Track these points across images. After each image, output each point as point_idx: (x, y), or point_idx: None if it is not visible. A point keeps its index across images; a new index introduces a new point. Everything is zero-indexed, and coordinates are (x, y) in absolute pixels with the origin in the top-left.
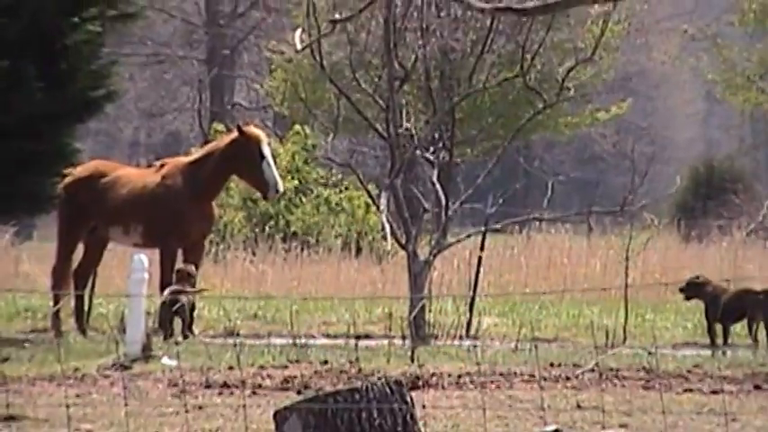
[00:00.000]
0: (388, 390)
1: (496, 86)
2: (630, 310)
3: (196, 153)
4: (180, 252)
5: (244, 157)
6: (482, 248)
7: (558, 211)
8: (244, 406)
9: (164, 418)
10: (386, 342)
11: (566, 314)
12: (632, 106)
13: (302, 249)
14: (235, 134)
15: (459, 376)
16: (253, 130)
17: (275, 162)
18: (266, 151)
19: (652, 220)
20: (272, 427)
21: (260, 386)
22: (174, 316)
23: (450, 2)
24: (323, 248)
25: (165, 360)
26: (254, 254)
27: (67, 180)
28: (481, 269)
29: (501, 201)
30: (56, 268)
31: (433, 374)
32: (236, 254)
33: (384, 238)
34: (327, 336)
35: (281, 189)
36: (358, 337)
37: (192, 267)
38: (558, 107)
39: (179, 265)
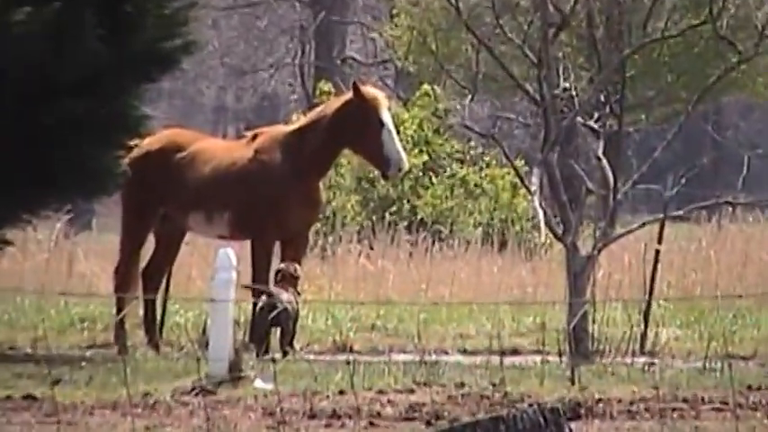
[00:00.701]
0: (541, 419)
1: (678, 36)
2: None
3: (298, 120)
4: (277, 246)
5: (358, 125)
6: (660, 241)
7: (756, 194)
8: None
9: None
10: (538, 359)
11: (767, 324)
12: None
13: (432, 242)
14: (347, 96)
15: (632, 403)
16: (370, 90)
17: (398, 132)
18: (386, 118)
19: None
20: None
21: (379, 415)
22: (271, 326)
23: None
24: (458, 241)
25: (259, 383)
26: (371, 248)
27: (134, 154)
28: (659, 267)
29: (684, 180)
30: (120, 266)
31: (598, 400)
32: (349, 248)
33: (536, 227)
34: (464, 351)
35: (405, 166)
36: (503, 353)
37: (296, 266)
38: (756, 62)
39: (277, 263)
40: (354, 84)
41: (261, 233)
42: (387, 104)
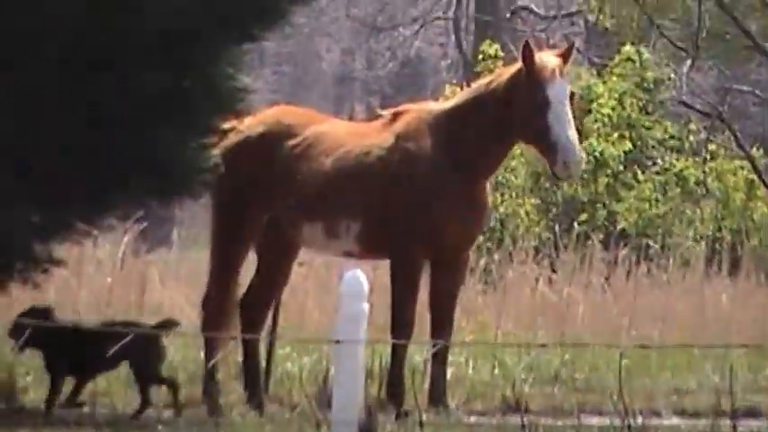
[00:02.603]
0: None
1: None
2: None
3: (454, 96)
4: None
5: (526, 104)
6: None
7: None
8: None
9: None
10: None
11: None
12: None
13: (637, 262)
14: (518, 64)
15: None
16: (542, 57)
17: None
18: (555, 92)
19: None
20: None
21: None
22: None
23: None
24: (673, 260)
25: None
26: (553, 270)
27: (229, 141)
28: None
29: None
30: (209, 295)
31: None
32: (524, 270)
33: None
34: (682, 413)
35: (576, 159)
36: (736, 415)
37: None
38: None
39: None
40: (526, 45)
41: (404, 251)
42: (558, 74)
